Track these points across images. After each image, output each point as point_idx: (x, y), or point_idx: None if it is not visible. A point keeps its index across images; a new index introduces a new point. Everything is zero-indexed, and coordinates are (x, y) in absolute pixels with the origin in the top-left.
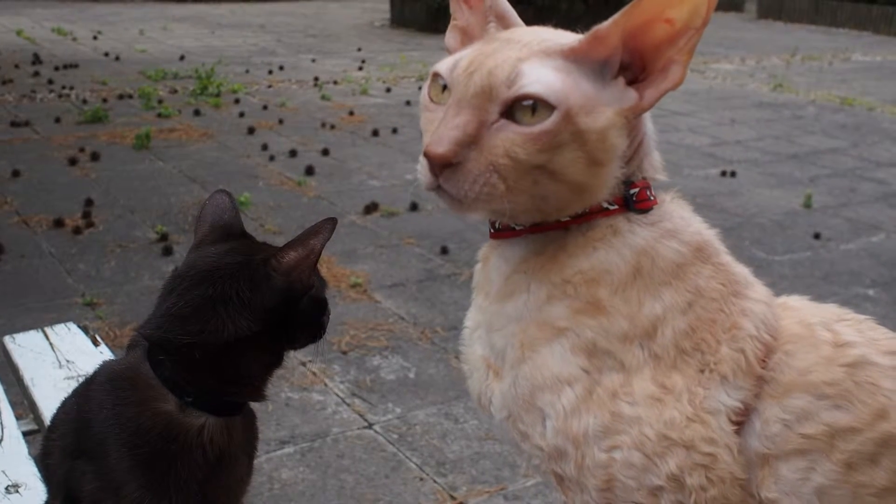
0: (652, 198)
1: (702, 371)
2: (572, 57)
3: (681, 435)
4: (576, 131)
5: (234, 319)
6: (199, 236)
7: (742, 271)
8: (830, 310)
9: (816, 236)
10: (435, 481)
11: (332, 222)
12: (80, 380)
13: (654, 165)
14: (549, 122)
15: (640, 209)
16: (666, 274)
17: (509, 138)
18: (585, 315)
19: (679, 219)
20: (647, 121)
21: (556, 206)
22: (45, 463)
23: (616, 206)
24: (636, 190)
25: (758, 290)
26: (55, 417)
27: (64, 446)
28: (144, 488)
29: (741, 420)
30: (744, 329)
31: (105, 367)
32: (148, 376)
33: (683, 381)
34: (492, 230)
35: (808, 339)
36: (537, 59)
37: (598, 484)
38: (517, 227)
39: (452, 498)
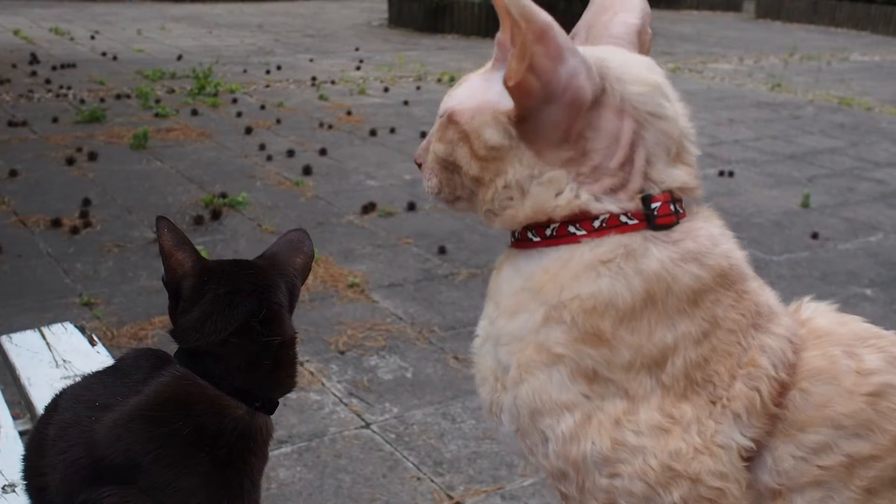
0: (679, 211)
1: (713, 403)
2: (497, 66)
3: (686, 467)
4: (461, 130)
5: (288, 321)
6: (195, 257)
7: (767, 300)
8: (857, 330)
9: (814, 236)
10: (432, 481)
11: (303, 231)
12: (77, 379)
13: (675, 177)
14: (437, 120)
15: (660, 225)
16: (682, 301)
17: None
18: (585, 345)
19: (705, 238)
20: (647, 131)
21: (488, 201)
22: (41, 482)
23: (636, 221)
24: (657, 204)
25: (781, 321)
26: (48, 435)
27: (73, 464)
28: (221, 490)
29: (751, 456)
30: (761, 367)
31: (150, 395)
32: (210, 389)
33: (693, 411)
34: (512, 239)
35: (828, 372)
36: (476, 76)
37: None
38: (534, 239)
39: (449, 497)
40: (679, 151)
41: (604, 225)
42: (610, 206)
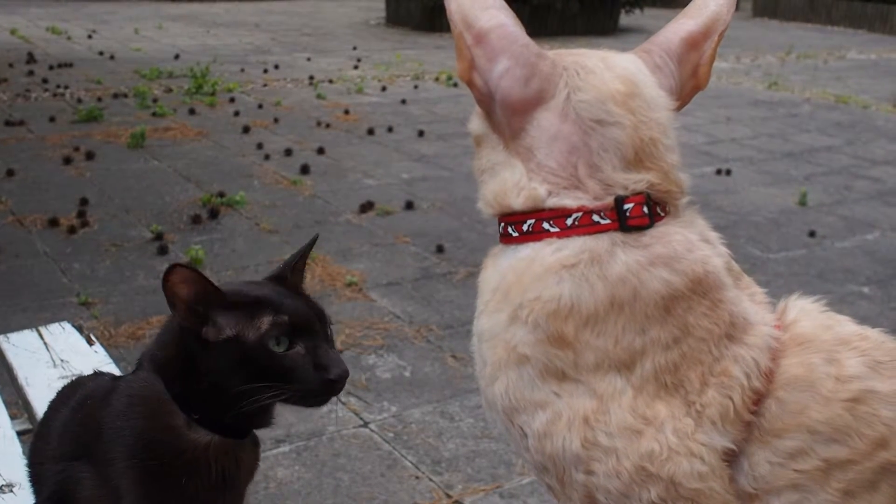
0: (658, 214)
1: (688, 405)
2: None
3: (660, 469)
4: None
5: (171, 343)
6: (273, 273)
7: (744, 310)
8: (841, 333)
9: (811, 234)
10: (431, 480)
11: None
12: (75, 379)
13: (634, 181)
14: None
15: (632, 226)
16: (650, 306)
17: None
18: (551, 346)
19: (679, 243)
20: (591, 138)
21: (478, 181)
22: (36, 469)
23: (608, 221)
24: (630, 205)
25: (757, 331)
26: (49, 426)
27: (62, 453)
28: (147, 500)
29: (728, 460)
30: (734, 377)
31: (125, 382)
32: (161, 392)
33: (668, 409)
34: (498, 234)
35: (805, 380)
36: None
37: (581, 497)
38: (513, 234)
39: (448, 496)
40: (641, 157)
41: (576, 223)
42: (566, 201)
